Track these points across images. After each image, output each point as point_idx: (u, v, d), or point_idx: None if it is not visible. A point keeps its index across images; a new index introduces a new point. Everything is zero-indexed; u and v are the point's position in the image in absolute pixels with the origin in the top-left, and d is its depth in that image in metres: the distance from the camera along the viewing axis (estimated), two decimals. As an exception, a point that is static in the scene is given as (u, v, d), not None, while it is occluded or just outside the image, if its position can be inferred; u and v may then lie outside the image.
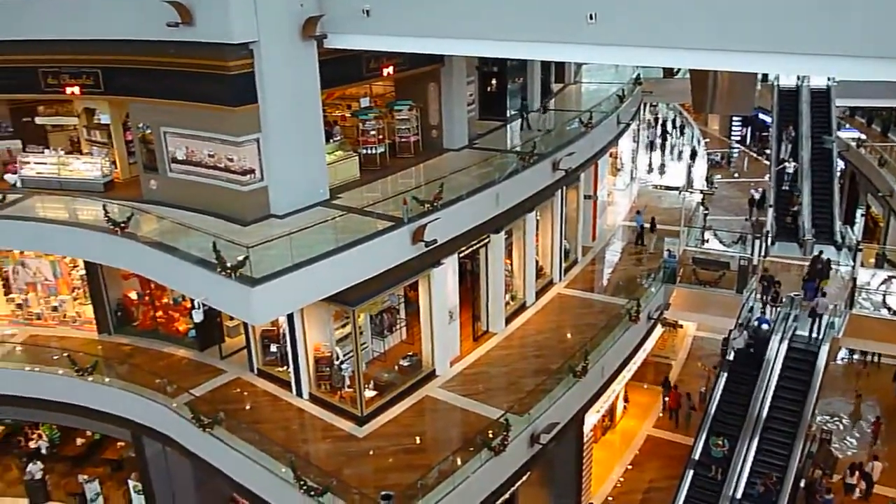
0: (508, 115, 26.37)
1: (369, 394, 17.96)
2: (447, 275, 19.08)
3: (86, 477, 21.69)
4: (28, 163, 21.29)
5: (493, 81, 26.00)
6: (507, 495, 17.36)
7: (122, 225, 17.35)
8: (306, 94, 17.84)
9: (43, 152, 21.59)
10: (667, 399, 25.73)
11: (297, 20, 17.00)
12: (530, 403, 17.64)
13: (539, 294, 23.66)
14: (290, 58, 17.14)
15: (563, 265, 25.09)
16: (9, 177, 21.53)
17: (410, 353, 19.38)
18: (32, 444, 23.30)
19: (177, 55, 17.13)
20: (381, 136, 21.47)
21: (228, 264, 14.47)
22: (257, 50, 16.59)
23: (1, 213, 19.42)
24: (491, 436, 16.24)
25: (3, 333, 21.97)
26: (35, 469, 22.09)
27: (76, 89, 19.56)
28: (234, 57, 16.46)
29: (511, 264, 22.58)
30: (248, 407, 18.43)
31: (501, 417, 16.85)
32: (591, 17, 13.65)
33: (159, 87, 18.12)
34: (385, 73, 21.07)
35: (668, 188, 34.74)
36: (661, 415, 26.01)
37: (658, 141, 44.87)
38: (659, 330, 25.49)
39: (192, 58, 16.93)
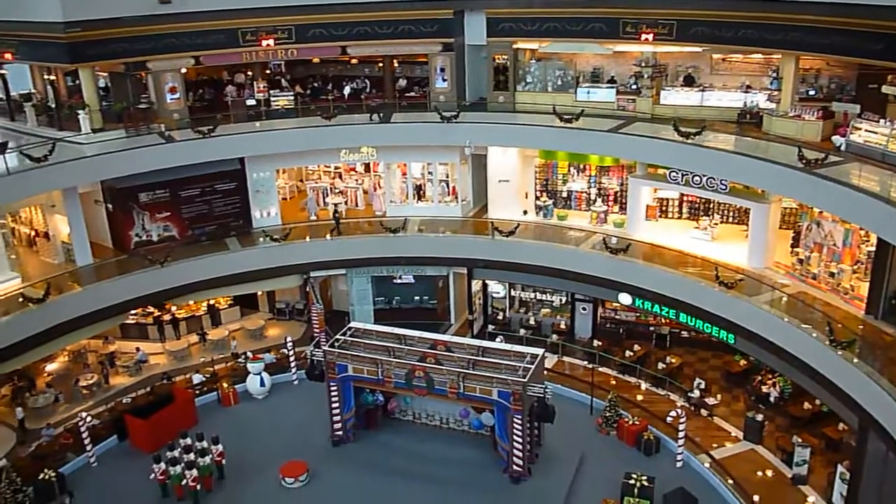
0: None
1: None
2: None
3: (800, 440, 21.86)
4: (859, 129, 21.39)
5: None
6: None
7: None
8: None
9: (878, 121, 21.30)
10: None
11: None
12: None
13: None
14: None
15: None
16: (836, 138, 22.15)
17: None
18: (765, 389, 24.60)
19: None
20: None
21: None
22: None
23: (816, 171, 20.19)
24: None
25: (778, 281, 23.22)
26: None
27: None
28: None
29: None
30: None
31: None
32: None
33: None
34: None
35: None
36: None
37: None
38: None
39: None
